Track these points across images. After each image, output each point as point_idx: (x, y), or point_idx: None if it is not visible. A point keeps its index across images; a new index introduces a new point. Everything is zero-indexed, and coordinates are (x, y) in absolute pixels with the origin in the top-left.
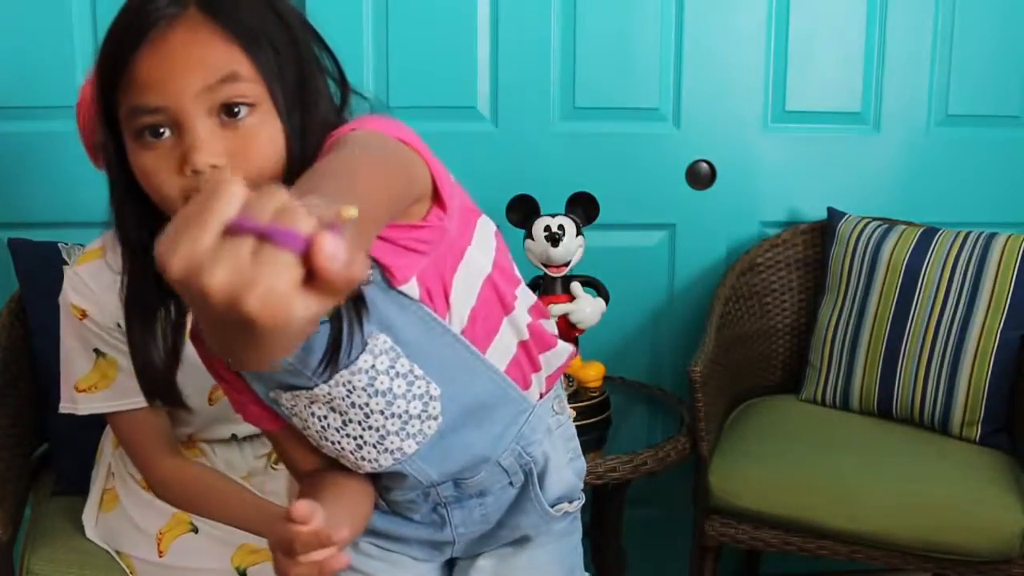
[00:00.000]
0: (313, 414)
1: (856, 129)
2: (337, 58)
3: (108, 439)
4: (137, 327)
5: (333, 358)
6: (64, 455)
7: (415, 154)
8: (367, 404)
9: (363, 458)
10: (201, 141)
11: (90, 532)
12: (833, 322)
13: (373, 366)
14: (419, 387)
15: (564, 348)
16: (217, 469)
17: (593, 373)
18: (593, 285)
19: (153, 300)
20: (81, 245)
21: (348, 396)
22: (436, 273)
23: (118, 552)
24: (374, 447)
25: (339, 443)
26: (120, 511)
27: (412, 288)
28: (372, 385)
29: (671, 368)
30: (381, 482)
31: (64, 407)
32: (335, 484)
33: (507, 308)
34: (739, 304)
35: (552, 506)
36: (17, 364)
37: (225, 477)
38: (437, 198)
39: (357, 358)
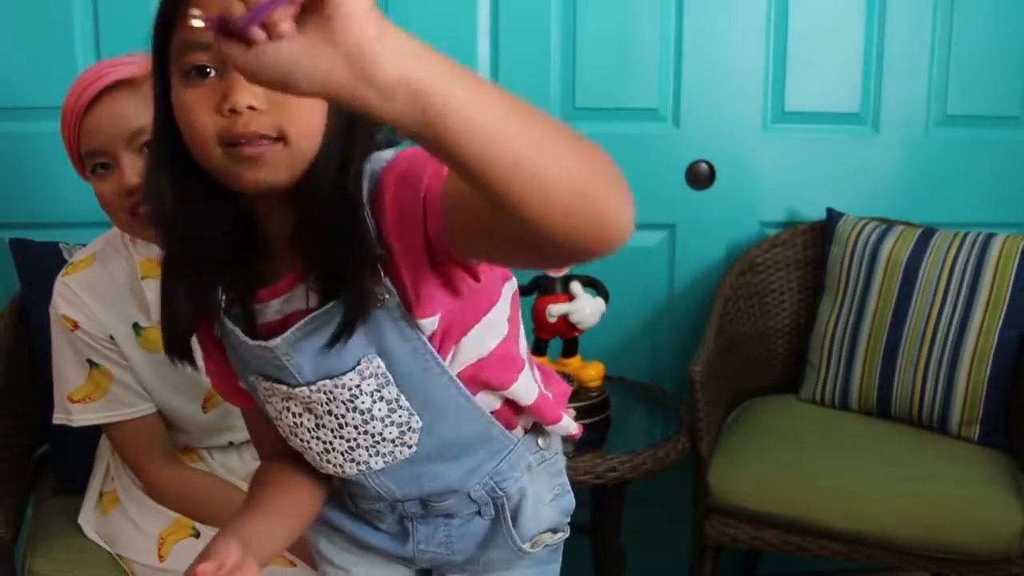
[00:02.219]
0: (288, 409)
1: (855, 130)
2: None
3: (105, 441)
4: (169, 284)
5: (337, 337)
6: (65, 455)
7: None
8: (343, 416)
9: (328, 462)
10: (243, 80)
11: (89, 533)
12: (832, 322)
13: (358, 385)
14: (400, 416)
15: (565, 426)
16: (215, 474)
17: (593, 373)
18: (593, 285)
19: (186, 261)
20: (83, 245)
21: (327, 404)
22: (461, 318)
23: (119, 556)
24: (342, 455)
25: (308, 442)
26: (121, 513)
27: (431, 323)
28: (352, 401)
29: (671, 368)
30: (348, 487)
31: (58, 418)
32: (285, 485)
33: (515, 370)
34: (739, 304)
35: (529, 540)
36: (18, 364)
37: (223, 482)
38: None
39: (344, 373)
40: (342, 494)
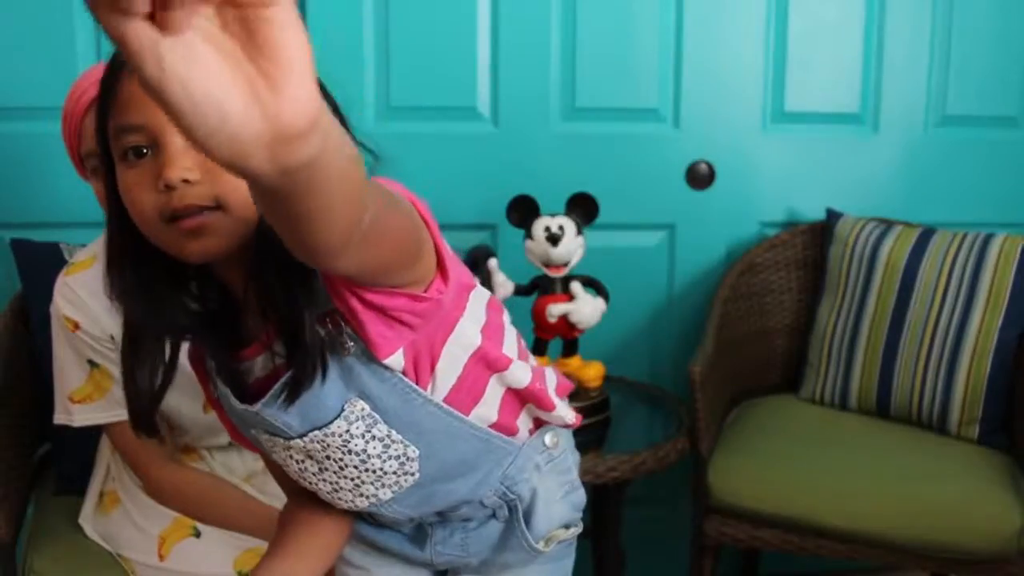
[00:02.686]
0: (291, 457)
1: (854, 130)
2: (339, 107)
3: (106, 441)
4: (133, 360)
5: (291, 396)
6: (66, 455)
7: (423, 222)
8: (341, 459)
9: (339, 499)
10: (174, 156)
11: (90, 533)
12: (832, 322)
13: (347, 430)
14: (396, 449)
15: (560, 415)
16: (216, 474)
17: (593, 373)
18: (593, 285)
19: (148, 337)
20: (83, 245)
21: (323, 450)
22: (426, 345)
23: (119, 555)
24: (350, 492)
25: (316, 484)
26: (122, 512)
27: (397, 360)
28: (346, 446)
29: (671, 368)
30: (359, 515)
31: (59, 418)
32: (310, 523)
33: (498, 373)
34: (738, 304)
35: (542, 538)
36: (19, 364)
37: (223, 481)
38: (441, 270)
39: (331, 422)
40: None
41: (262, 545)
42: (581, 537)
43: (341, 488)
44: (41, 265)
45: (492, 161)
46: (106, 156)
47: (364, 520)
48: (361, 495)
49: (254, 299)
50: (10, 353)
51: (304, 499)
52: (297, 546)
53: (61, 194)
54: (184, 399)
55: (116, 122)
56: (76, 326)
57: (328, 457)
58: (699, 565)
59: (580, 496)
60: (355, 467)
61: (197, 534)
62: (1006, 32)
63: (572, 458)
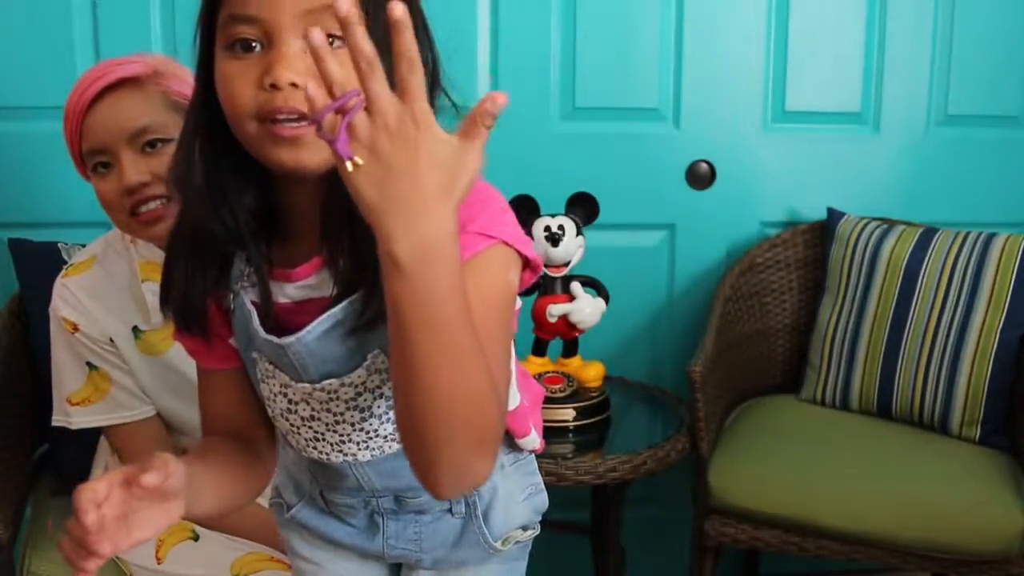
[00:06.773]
0: (284, 395)
1: (856, 129)
2: (438, 55)
3: (104, 442)
4: (179, 258)
5: (366, 324)
6: (64, 455)
7: (515, 259)
8: (341, 414)
9: (315, 448)
10: (287, 56)
11: None
12: (833, 322)
13: (364, 382)
14: None
15: (531, 441)
16: None
17: (593, 373)
18: (593, 285)
19: (205, 237)
20: (82, 245)
21: (327, 402)
22: None
23: (116, 557)
24: (331, 445)
25: (297, 427)
26: None
27: None
28: (355, 400)
29: (671, 368)
30: (323, 480)
31: (57, 420)
32: (227, 459)
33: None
34: (739, 304)
35: (499, 538)
36: (17, 364)
37: None
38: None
39: (352, 371)
40: (312, 490)
41: (260, 549)
42: (579, 536)
43: (323, 439)
44: (39, 265)
45: (492, 161)
46: (205, 39)
47: (314, 511)
48: (340, 451)
49: (329, 223)
50: (8, 353)
51: (230, 441)
52: (217, 472)
53: (60, 194)
54: (183, 402)
55: (234, 9)
56: (75, 328)
57: (328, 409)
58: (699, 565)
59: (542, 500)
60: (351, 424)
61: (195, 537)
62: (1008, 31)
63: (535, 462)
